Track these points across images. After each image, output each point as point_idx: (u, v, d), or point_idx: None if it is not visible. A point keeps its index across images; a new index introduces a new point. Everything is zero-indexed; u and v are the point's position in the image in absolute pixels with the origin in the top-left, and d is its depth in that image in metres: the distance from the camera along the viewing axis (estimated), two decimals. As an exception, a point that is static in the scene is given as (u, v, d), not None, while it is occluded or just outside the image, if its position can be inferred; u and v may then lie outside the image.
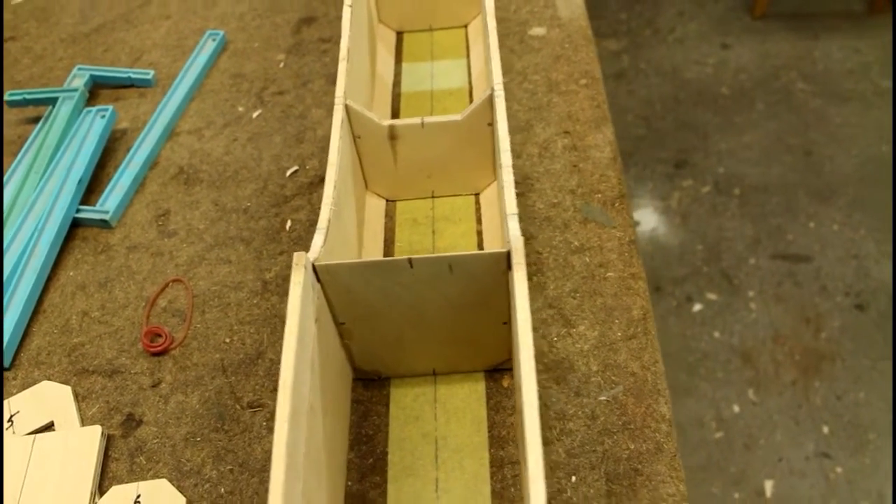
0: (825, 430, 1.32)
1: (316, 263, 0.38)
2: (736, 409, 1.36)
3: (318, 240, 0.40)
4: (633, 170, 1.76)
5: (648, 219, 1.67)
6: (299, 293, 0.35)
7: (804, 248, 1.58)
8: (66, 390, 0.49)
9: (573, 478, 0.41)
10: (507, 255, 0.37)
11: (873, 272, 1.53)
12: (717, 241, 1.62)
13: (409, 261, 0.37)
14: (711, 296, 1.53)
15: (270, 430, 0.46)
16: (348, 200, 0.49)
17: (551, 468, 0.42)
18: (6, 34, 0.81)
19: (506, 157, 0.44)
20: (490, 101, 0.48)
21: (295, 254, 0.37)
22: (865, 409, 1.34)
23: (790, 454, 1.29)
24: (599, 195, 0.55)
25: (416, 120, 0.50)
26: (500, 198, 0.43)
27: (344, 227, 0.46)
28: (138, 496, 0.43)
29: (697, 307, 1.51)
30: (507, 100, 0.62)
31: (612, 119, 0.59)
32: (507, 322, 0.42)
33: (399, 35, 0.71)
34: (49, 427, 0.47)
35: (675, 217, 1.68)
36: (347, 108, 0.49)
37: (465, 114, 0.50)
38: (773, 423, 1.34)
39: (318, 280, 0.39)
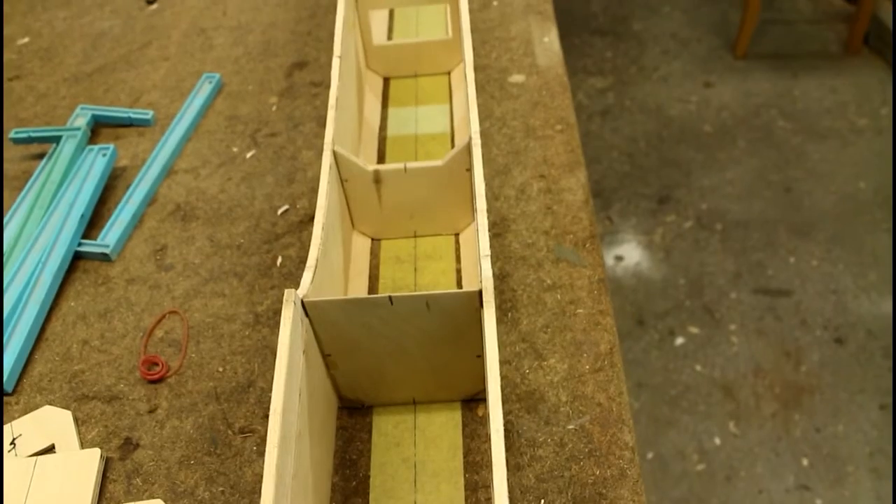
0: (805, 462, 1.35)
1: (305, 300, 0.41)
2: (717, 441, 1.39)
3: (307, 277, 0.44)
4: (617, 205, 1.81)
5: (632, 253, 1.71)
6: (289, 327, 0.38)
7: (784, 283, 1.62)
8: (67, 415, 0.51)
9: (542, 501, 0.44)
10: (480, 294, 0.40)
11: (851, 306, 1.57)
12: (699, 275, 1.66)
13: (390, 298, 0.41)
14: (693, 329, 1.57)
15: (260, 454, 0.49)
16: (336, 240, 0.52)
17: (521, 492, 0.45)
18: (12, 73, 0.85)
19: (481, 203, 0.47)
20: (468, 148, 0.52)
21: (286, 291, 0.40)
22: (844, 441, 1.37)
23: (771, 486, 1.32)
24: (571, 236, 0.58)
25: (400, 165, 0.54)
26: (476, 239, 0.47)
27: (331, 265, 0.50)
28: (134, 517, 0.46)
29: (680, 341, 1.55)
30: (487, 144, 0.66)
31: (597, 155, 0.63)
32: (481, 355, 0.45)
33: (386, 81, 0.75)
34: (50, 450, 0.50)
35: (658, 252, 1.72)
36: (335, 154, 0.53)
37: (445, 160, 0.53)
38: (754, 456, 1.37)
39: (307, 315, 0.42)
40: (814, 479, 1.32)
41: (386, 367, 0.46)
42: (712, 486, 1.32)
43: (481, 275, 0.41)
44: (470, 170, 0.53)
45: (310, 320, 0.42)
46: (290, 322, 0.39)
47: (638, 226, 1.77)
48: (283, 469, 0.35)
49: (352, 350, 0.45)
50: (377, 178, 0.55)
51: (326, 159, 0.52)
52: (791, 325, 1.55)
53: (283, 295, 0.41)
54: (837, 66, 2.14)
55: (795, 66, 2.15)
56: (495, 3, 0.84)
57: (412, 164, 0.54)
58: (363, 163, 0.54)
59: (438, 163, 0.54)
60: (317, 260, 0.45)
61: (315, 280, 0.44)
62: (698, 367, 1.50)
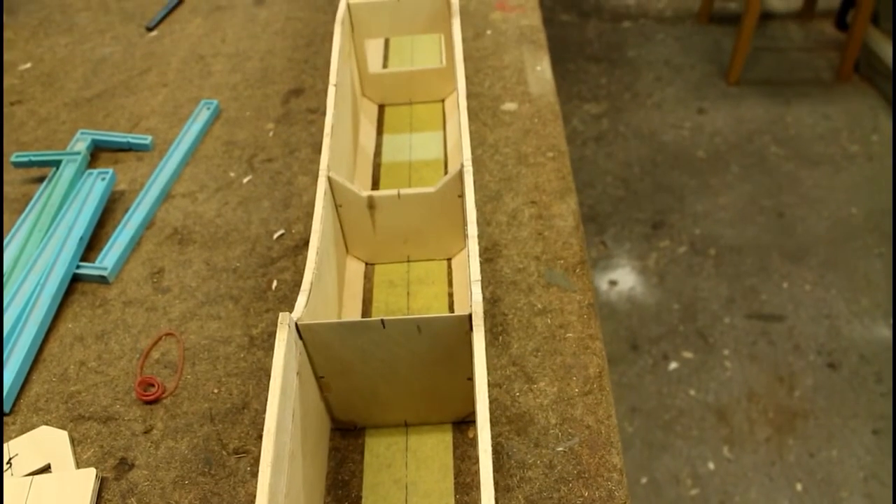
0: (798, 487, 1.35)
1: (299, 322, 0.42)
2: (711, 465, 1.39)
3: (301, 300, 0.45)
4: (611, 230, 1.82)
5: (626, 278, 1.72)
6: (283, 350, 0.39)
7: (777, 308, 1.64)
8: (63, 435, 0.52)
9: (531, 522, 0.45)
10: (470, 318, 0.41)
11: (844, 331, 1.58)
12: (692, 300, 1.67)
13: (382, 322, 0.42)
14: (687, 354, 1.58)
15: (254, 474, 0.49)
16: (330, 264, 0.53)
17: (511, 513, 0.46)
18: (14, 98, 0.86)
19: (472, 229, 0.48)
20: (460, 175, 0.53)
21: (280, 314, 0.41)
22: (838, 466, 1.37)
23: (764, 511, 1.32)
24: (562, 261, 0.59)
25: (393, 192, 0.55)
26: (468, 262, 0.48)
27: (325, 289, 0.51)
28: (127, 537, 0.46)
29: (673, 365, 1.56)
30: (479, 171, 0.67)
31: (591, 180, 0.64)
32: (472, 378, 0.46)
33: (381, 108, 0.77)
34: (46, 469, 0.51)
35: (652, 277, 1.73)
36: (330, 180, 0.54)
37: (437, 186, 0.55)
38: (748, 480, 1.37)
39: (301, 337, 0.43)
40: (808, 505, 1.32)
41: (378, 388, 0.47)
42: (706, 510, 1.33)
43: (471, 299, 0.42)
44: (462, 196, 0.55)
45: (304, 343, 0.43)
46: (284, 344, 0.40)
47: (632, 251, 1.78)
48: (276, 488, 0.36)
49: (345, 372, 0.45)
50: (371, 204, 0.56)
51: (321, 185, 0.53)
52: (784, 350, 1.56)
53: (277, 318, 0.42)
54: (829, 93, 2.17)
55: (788, 92, 2.18)
56: (489, 33, 0.85)
57: (405, 191, 0.55)
58: (357, 189, 0.55)
59: (431, 189, 0.55)
60: (311, 284, 0.46)
61: (309, 304, 0.45)
62: (692, 392, 1.51)
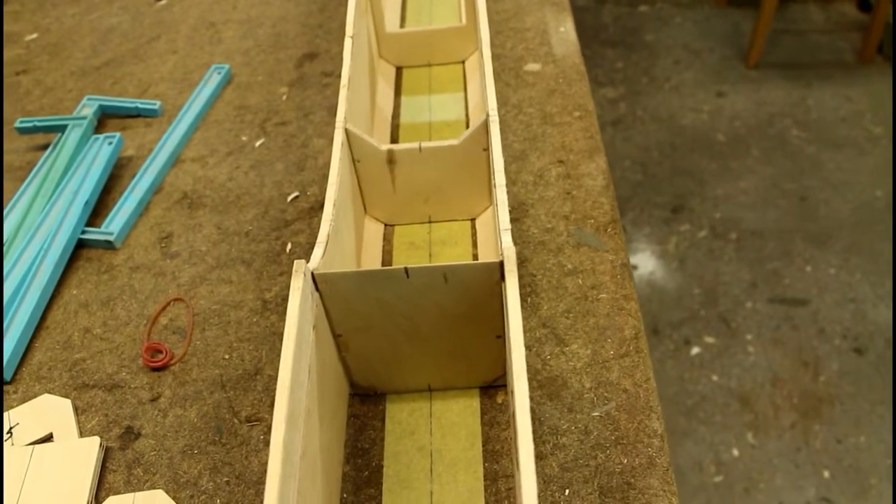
0: (826, 474, 1.31)
1: (315, 272, 0.39)
2: (735, 452, 1.35)
3: (317, 252, 0.41)
4: (630, 214, 1.78)
5: (646, 263, 1.68)
6: (298, 298, 0.36)
7: (801, 292, 1.59)
8: (66, 403, 0.49)
9: (566, 491, 0.42)
10: (501, 266, 0.38)
11: (870, 315, 1.54)
12: (714, 284, 1.63)
13: (406, 270, 0.38)
14: (709, 339, 1.54)
15: (268, 443, 0.46)
16: (347, 222, 0.50)
17: (545, 482, 0.42)
18: (19, 67, 0.83)
19: (500, 178, 0.45)
20: (485, 125, 0.50)
21: (296, 262, 0.38)
22: (866, 453, 1.33)
23: (790, 498, 1.28)
24: (592, 221, 0.56)
25: (414, 145, 0.52)
26: (494, 215, 0.45)
27: (342, 248, 0.48)
28: (134, 507, 0.44)
29: (695, 350, 1.52)
30: (503, 131, 0.64)
31: (609, 164, 0.61)
32: (501, 336, 0.43)
33: (398, 70, 0.73)
34: (48, 439, 0.48)
35: (672, 261, 1.69)
36: (347, 132, 0.51)
37: (461, 139, 0.51)
38: (773, 467, 1.33)
39: (317, 289, 0.40)
40: (835, 492, 1.28)
41: (400, 348, 0.44)
42: (730, 498, 1.29)
43: (502, 246, 0.39)
44: (487, 149, 0.51)
45: (320, 295, 0.40)
46: (299, 293, 0.36)
47: (651, 235, 1.74)
48: (291, 446, 0.33)
49: (364, 329, 0.42)
50: (391, 159, 0.52)
51: (338, 137, 0.50)
52: (809, 334, 1.52)
53: (291, 282, 0.38)
54: (851, 74, 2.12)
55: (809, 75, 2.13)
56: (509, -5, 0.82)
57: (427, 144, 0.52)
58: (376, 142, 0.52)
59: (454, 142, 0.52)
60: (328, 236, 0.43)
61: (325, 257, 0.42)
62: (715, 378, 1.47)
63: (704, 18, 2.42)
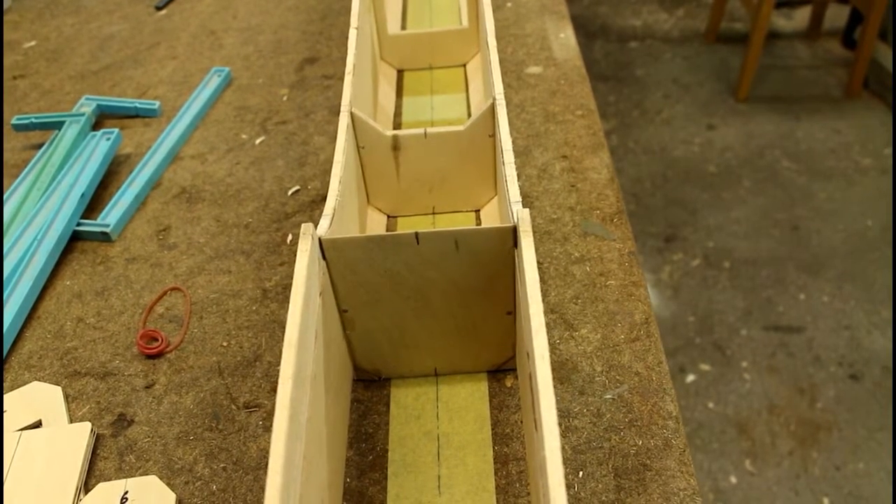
0: (826, 501, 1.29)
1: (322, 238, 0.38)
2: (733, 479, 1.33)
3: (324, 223, 0.40)
4: (624, 240, 1.78)
5: (640, 289, 1.67)
6: (306, 259, 0.35)
7: (795, 320, 1.59)
8: (56, 390, 0.47)
9: (580, 473, 0.40)
10: (514, 230, 0.37)
11: (865, 342, 1.53)
12: (708, 313, 1.62)
13: (416, 235, 0.37)
14: (705, 367, 1.52)
15: (267, 429, 0.44)
16: (350, 209, 0.49)
17: (556, 464, 0.41)
18: (17, 72, 0.83)
19: (508, 155, 0.44)
20: (492, 110, 0.50)
21: (303, 225, 0.37)
22: (866, 479, 1.31)
23: (790, 526, 1.26)
24: (598, 211, 0.55)
25: (420, 131, 0.51)
26: (503, 189, 0.44)
27: (346, 231, 0.46)
28: (126, 493, 0.41)
29: (691, 378, 1.50)
30: (506, 126, 0.63)
31: None
32: (512, 312, 0.42)
33: (400, 74, 0.73)
34: (37, 426, 0.46)
35: (666, 290, 1.68)
36: (353, 116, 0.50)
37: (467, 125, 0.51)
38: (773, 495, 1.31)
39: (324, 257, 0.38)
40: (836, 520, 1.26)
41: (408, 326, 0.42)
42: (730, 526, 1.26)
43: (514, 215, 0.38)
44: (493, 135, 0.51)
45: (327, 265, 0.39)
46: (306, 255, 0.35)
47: (645, 264, 1.74)
48: (298, 406, 0.31)
49: (371, 304, 0.41)
50: (396, 145, 0.52)
51: (343, 121, 0.49)
52: (804, 361, 1.51)
53: (293, 271, 0.37)
54: (839, 108, 2.15)
55: (797, 108, 2.16)
56: (509, 5, 0.83)
57: (433, 130, 0.51)
58: (381, 128, 0.51)
59: (460, 128, 0.51)
60: (334, 209, 0.42)
61: (332, 228, 0.41)
62: (711, 405, 1.45)
63: (694, 54, 2.46)
